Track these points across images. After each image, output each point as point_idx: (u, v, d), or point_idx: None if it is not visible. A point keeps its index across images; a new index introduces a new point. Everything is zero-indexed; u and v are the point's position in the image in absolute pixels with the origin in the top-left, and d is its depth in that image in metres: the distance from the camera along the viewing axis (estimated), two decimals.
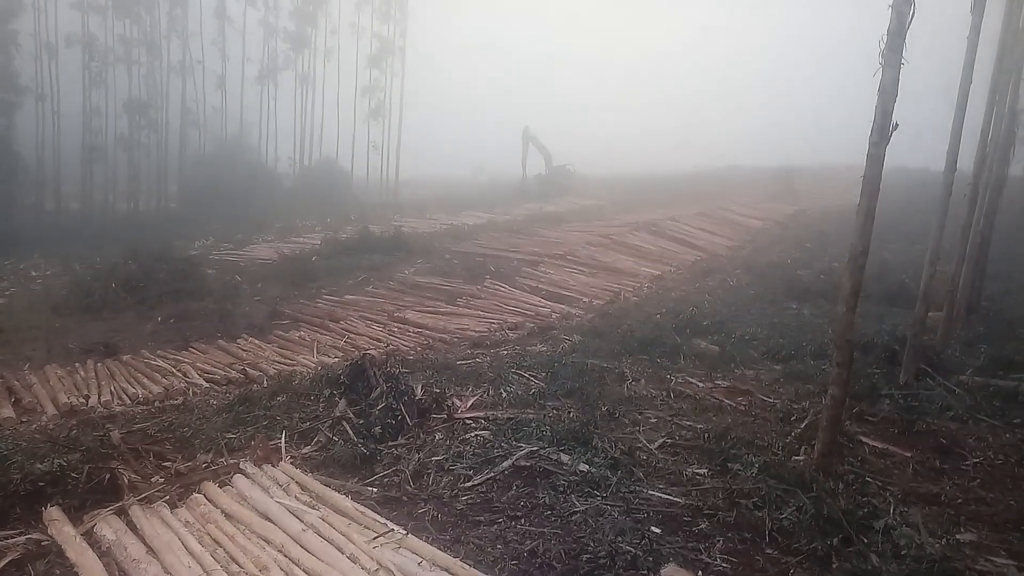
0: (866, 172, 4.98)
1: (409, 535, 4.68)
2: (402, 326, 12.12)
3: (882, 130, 4.80)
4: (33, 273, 17.31)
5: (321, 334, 11.77)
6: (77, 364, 9.65)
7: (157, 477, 5.65)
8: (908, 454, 6.07)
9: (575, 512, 4.88)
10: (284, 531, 4.84)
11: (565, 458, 5.56)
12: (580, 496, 5.08)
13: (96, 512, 5.05)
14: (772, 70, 74.80)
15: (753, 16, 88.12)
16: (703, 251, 20.27)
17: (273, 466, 5.80)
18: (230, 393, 8.22)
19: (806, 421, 6.48)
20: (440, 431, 6.32)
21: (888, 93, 4.68)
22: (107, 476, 5.35)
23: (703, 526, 4.85)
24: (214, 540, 4.82)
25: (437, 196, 40.55)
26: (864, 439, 6.32)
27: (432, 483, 5.39)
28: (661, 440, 6.24)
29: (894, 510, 5.00)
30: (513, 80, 72.68)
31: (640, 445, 6.09)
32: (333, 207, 33.54)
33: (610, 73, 78.73)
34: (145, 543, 4.75)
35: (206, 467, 5.83)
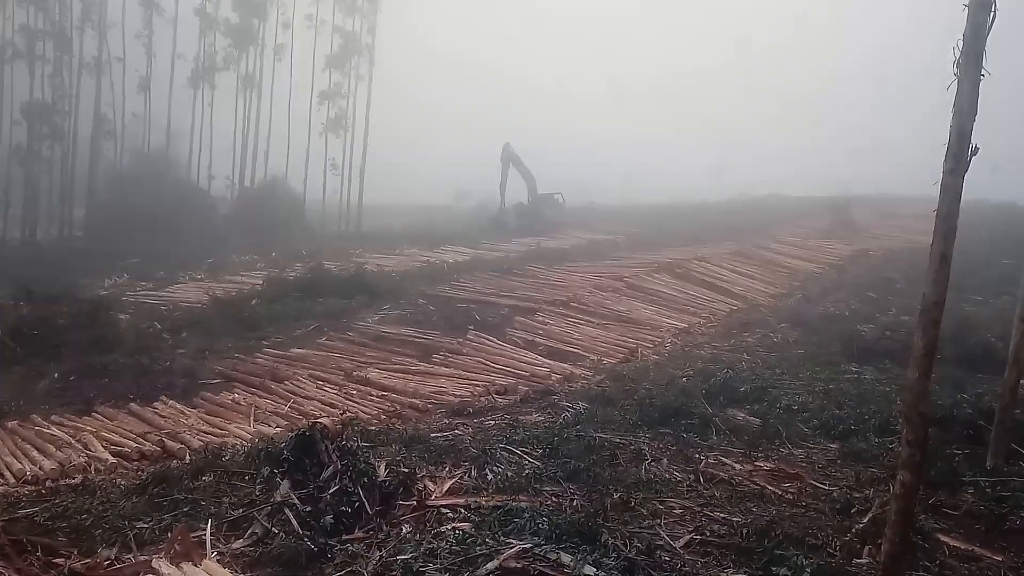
0: (940, 206, 4.98)
1: None
2: (363, 388, 12.18)
3: (958, 156, 4.81)
4: None
5: (260, 397, 11.80)
6: None
7: None
8: (999, 558, 6.04)
9: None
10: None
11: (567, 559, 5.48)
12: None
13: None
14: (823, 86, 76.81)
15: (798, 25, 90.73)
16: (740, 299, 20.48)
17: (195, 565, 5.75)
18: (143, 471, 8.18)
19: (870, 514, 6.47)
20: (408, 522, 6.31)
21: (965, 112, 4.70)
22: None
23: None
24: None
25: (410, 227, 40.77)
26: (943, 538, 6.31)
27: None
28: (688, 537, 6.20)
29: None
30: (510, 97, 74.43)
31: (661, 543, 6.05)
32: (280, 239, 33.83)
33: (630, 92, 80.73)
34: None
35: (109, 565, 5.77)
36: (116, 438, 9.62)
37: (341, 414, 10.15)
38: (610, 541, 5.83)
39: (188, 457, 8.62)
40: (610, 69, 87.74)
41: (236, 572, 5.67)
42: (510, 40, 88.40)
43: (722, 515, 6.62)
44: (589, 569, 5.40)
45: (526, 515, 6.21)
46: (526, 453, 7.94)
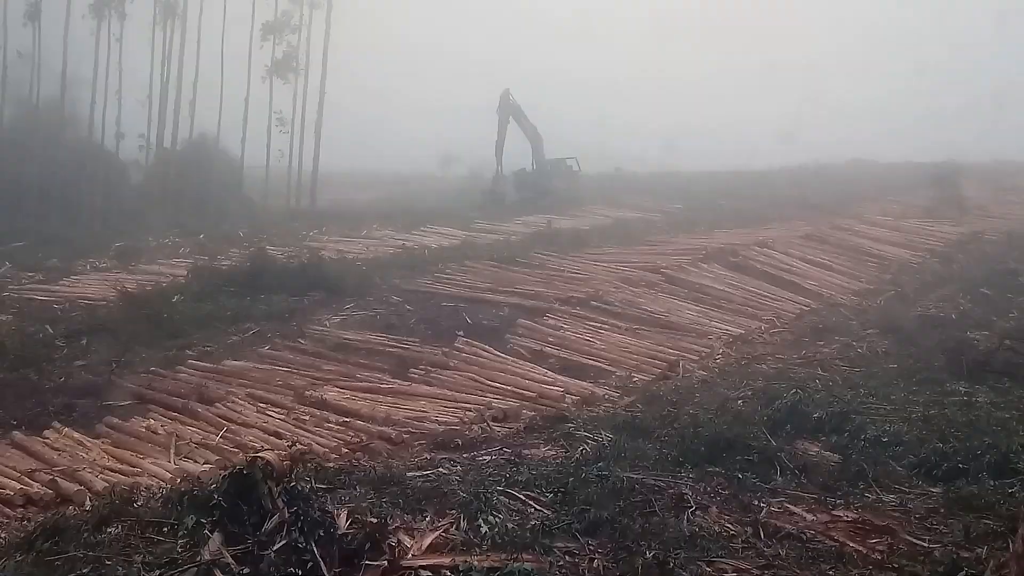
0: None
1: None
2: (318, 413, 12.21)
3: None
4: None
5: (184, 424, 11.81)
6: None
7: None
8: None
9: None
10: None
11: None
12: None
13: None
14: (927, 23, 76.44)
15: None
16: (813, 297, 20.69)
17: None
18: (29, 520, 8.14)
19: None
20: None
21: None
22: None
23: None
24: None
25: (380, 202, 41.39)
26: None
27: None
28: None
29: None
30: (514, 35, 74.47)
31: None
32: (211, 216, 33.90)
33: (675, 44, 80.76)
34: None
35: None
36: None
37: (289, 447, 10.13)
38: None
39: (89, 502, 8.61)
40: (653, 12, 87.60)
41: None
42: None
43: None
44: None
45: None
46: (532, 499, 7.95)
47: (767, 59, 76.22)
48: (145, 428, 11.63)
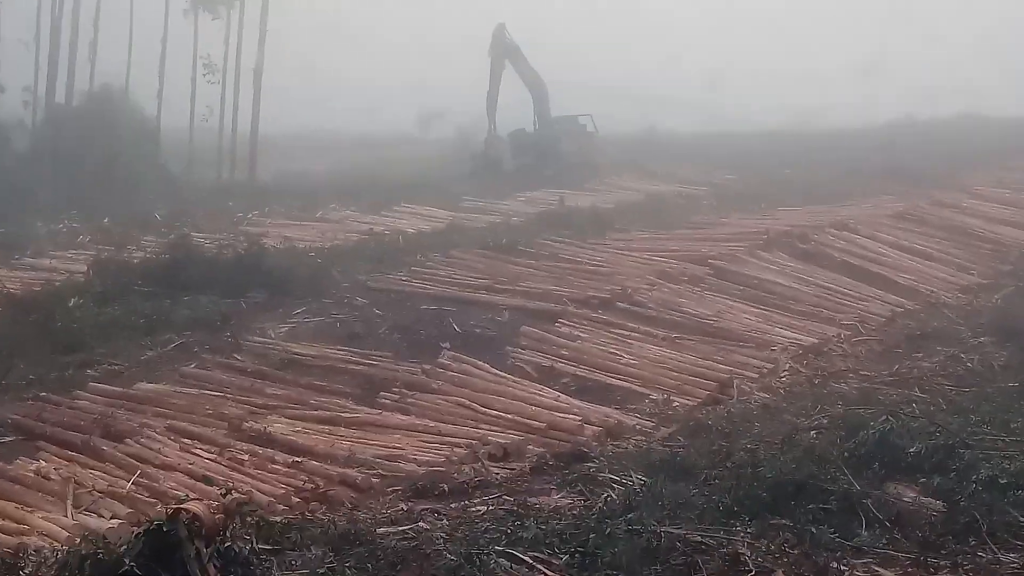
0: None
1: None
2: (260, 451, 12.21)
3: None
4: None
5: (85, 466, 11.74)
6: None
7: None
8: None
9: None
10: None
11: None
12: None
13: None
14: None
15: None
16: (909, 295, 20.66)
17: None
18: None
19: None
20: None
21: None
22: None
23: None
24: None
25: (340, 174, 41.02)
26: None
27: None
28: None
29: None
30: None
31: None
32: (117, 193, 33.66)
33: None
34: None
35: None
36: None
37: (223, 495, 9.66)
38: None
39: None
40: None
41: None
42: None
43: None
44: None
45: None
46: (541, 562, 7.96)
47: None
48: (34, 472, 11.55)
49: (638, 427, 13.07)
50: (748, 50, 68.35)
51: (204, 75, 44.32)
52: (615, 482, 10.13)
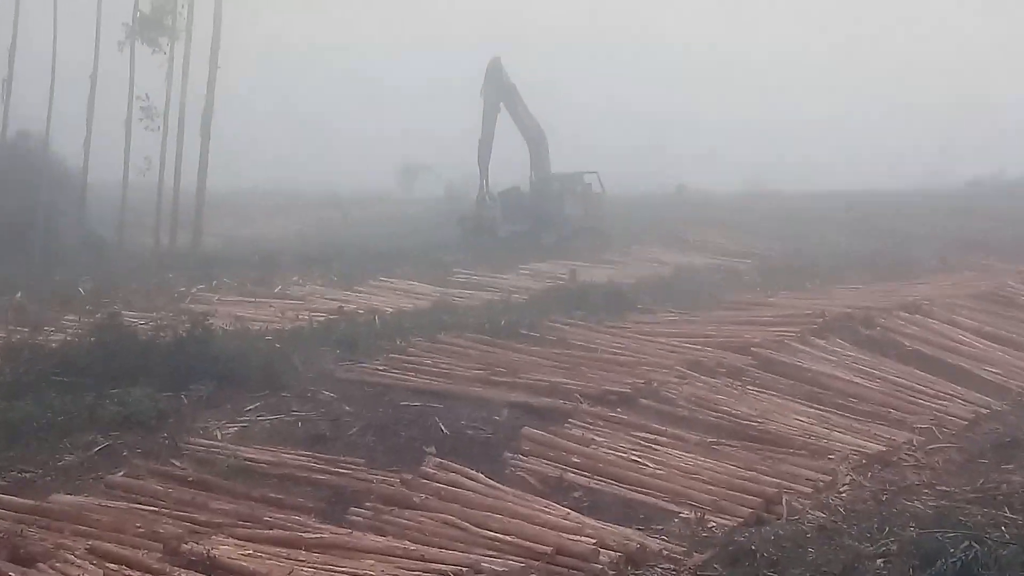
0: None
1: None
2: None
3: None
4: None
5: None
6: None
7: None
8: None
9: None
10: None
11: None
12: None
13: None
14: None
15: None
16: (994, 392, 19.67)
17: None
18: None
19: None
20: None
21: None
22: None
23: None
24: None
25: (305, 239, 40.18)
26: None
27: None
28: None
29: None
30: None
31: None
32: (32, 262, 32.35)
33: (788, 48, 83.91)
34: None
35: None
36: None
37: None
38: None
39: None
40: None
41: None
42: None
43: None
44: None
45: None
46: None
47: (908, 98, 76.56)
48: None
49: (665, 552, 12.01)
50: (799, 104, 67.61)
51: (141, 120, 40.32)
52: None
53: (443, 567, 11.51)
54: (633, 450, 15.45)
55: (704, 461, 15.20)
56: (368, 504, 13.40)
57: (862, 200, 45.68)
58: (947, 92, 73.03)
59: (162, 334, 19.77)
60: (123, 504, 13.39)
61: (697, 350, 20.64)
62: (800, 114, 67.96)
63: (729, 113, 72.11)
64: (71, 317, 24.01)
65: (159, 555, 11.60)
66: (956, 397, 19.04)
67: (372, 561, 11.60)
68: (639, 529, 12.90)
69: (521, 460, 15.13)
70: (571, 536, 12.30)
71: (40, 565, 11.40)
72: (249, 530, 12.59)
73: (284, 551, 11.79)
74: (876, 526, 12.20)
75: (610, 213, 38.89)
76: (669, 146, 57.90)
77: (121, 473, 14.46)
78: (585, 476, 14.61)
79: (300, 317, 24.68)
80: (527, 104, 37.79)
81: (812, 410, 17.69)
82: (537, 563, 11.53)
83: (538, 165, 38.20)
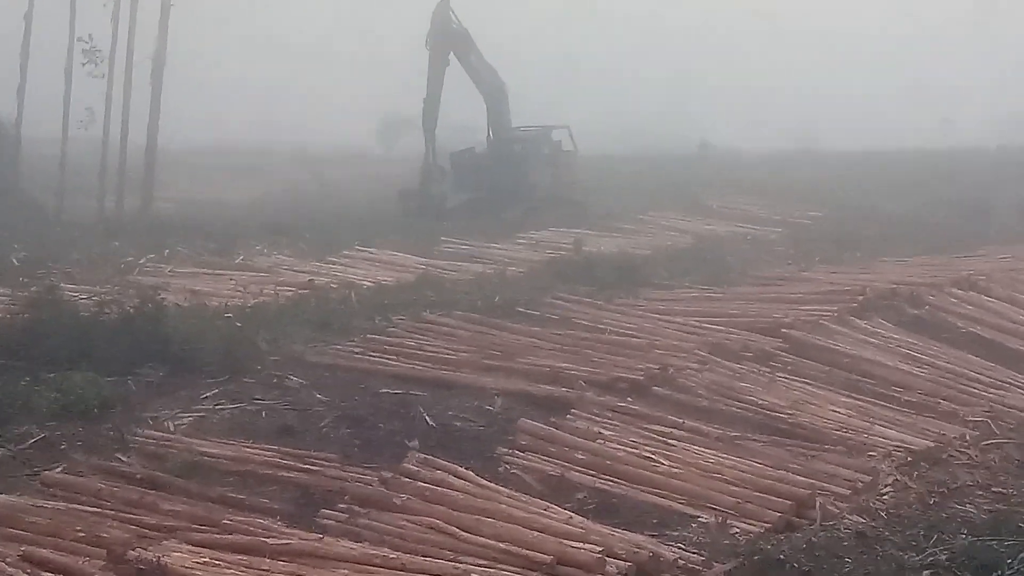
0: None
1: None
2: None
3: None
4: None
5: None
6: None
7: None
8: None
9: None
10: None
11: None
12: None
13: None
14: None
15: None
16: None
17: None
18: None
19: None
20: None
21: None
22: None
23: None
24: None
25: (272, 203, 36.51)
26: None
27: None
28: None
29: None
30: None
31: None
32: None
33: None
34: None
35: None
36: None
37: None
38: None
39: None
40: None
41: None
42: None
43: None
44: None
45: None
46: None
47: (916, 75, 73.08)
48: None
49: (681, 562, 10.27)
50: (838, 55, 64.41)
51: (84, 64, 33.46)
52: None
53: None
54: (645, 445, 13.12)
55: (727, 458, 12.93)
56: (342, 506, 11.48)
57: (915, 161, 41.78)
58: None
59: (107, 311, 16.72)
60: (61, 504, 11.53)
61: (720, 332, 17.49)
62: (852, 67, 63.81)
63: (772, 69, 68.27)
64: (2, 291, 20.60)
65: (102, 563, 10.03)
66: (1015, 386, 16.28)
67: (346, 571, 9.95)
68: (652, 536, 10.87)
69: (517, 456, 12.89)
70: (574, 543, 10.46)
71: None
72: (206, 535, 10.78)
73: (245, 559, 10.11)
74: (923, 533, 10.65)
75: (588, 176, 33.14)
76: (697, 107, 53.28)
77: (59, 469, 12.34)
78: (590, 475, 12.42)
79: (265, 292, 20.96)
80: (482, 52, 30.98)
81: (851, 400, 15.01)
82: (535, 574, 9.93)
83: (496, 122, 31.19)
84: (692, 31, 77.37)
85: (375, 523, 10.85)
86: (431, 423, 13.34)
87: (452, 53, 30.52)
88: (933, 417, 14.57)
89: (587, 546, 10.22)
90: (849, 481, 12.22)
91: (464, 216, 28.48)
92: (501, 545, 10.26)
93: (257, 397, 14.41)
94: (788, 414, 14.11)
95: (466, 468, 11.93)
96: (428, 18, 30.33)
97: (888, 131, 49.64)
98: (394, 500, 11.36)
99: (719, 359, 16.16)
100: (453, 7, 30.46)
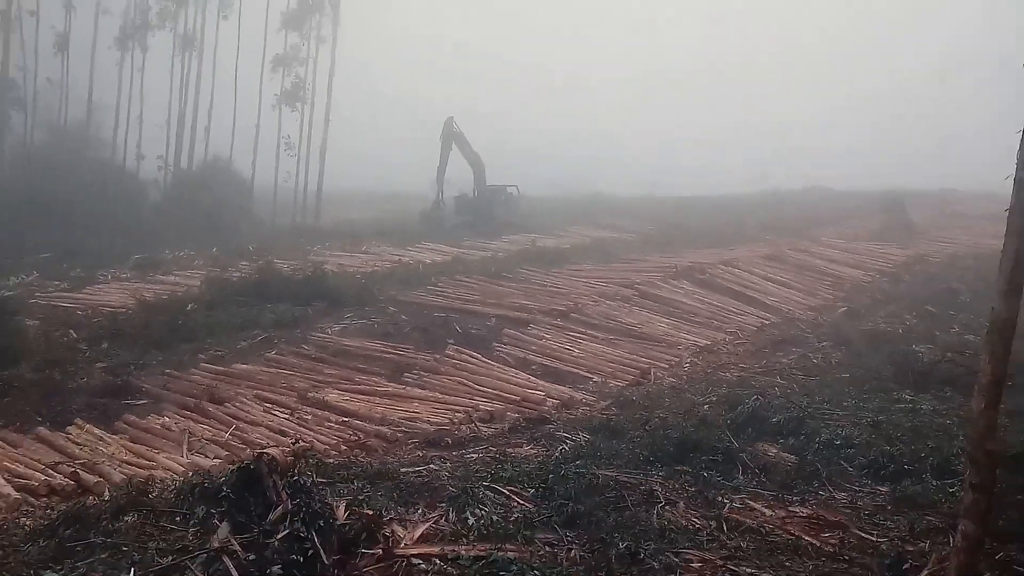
0: (1013, 204, 4.99)
1: None
2: (319, 413, 12.28)
3: None
4: None
5: (196, 422, 11.87)
6: None
7: None
8: None
9: None
10: None
11: None
12: None
13: None
14: (878, 77, 79.97)
15: (855, 16, 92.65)
16: (773, 312, 20.65)
17: None
18: (52, 509, 8.14)
19: (926, 571, 6.52)
20: (372, 575, 6.29)
21: None
22: None
23: None
24: None
25: (377, 220, 40.65)
26: None
27: None
28: None
29: None
30: (501, 86, 75.29)
31: None
32: (223, 232, 33.69)
33: (660, 85, 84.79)
34: None
35: None
36: (20, 469, 9.53)
37: (293, 443, 10.08)
38: None
39: (107, 493, 8.61)
40: (636, 61, 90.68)
41: None
42: (504, 21, 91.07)
43: (750, 570, 6.64)
44: None
45: (514, 568, 6.27)
46: (515, 493, 7.96)
47: (747, 111, 78.57)
48: (160, 425, 11.71)
49: (584, 401, 13.05)
50: (674, 155, 70.33)
51: (285, 150, 44.27)
52: (567, 439, 10.10)
53: (457, 408, 12.52)
54: (566, 343, 16.85)
55: (607, 349, 16.62)
56: (414, 372, 14.64)
57: (704, 200, 47.29)
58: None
59: (296, 273, 21.12)
60: (274, 369, 14.63)
61: (604, 285, 21.77)
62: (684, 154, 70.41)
63: (642, 128, 74.42)
64: (244, 263, 25.13)
65: (295, 399, 12.95)
66: (751, 314, 20.34)
67: (417, 404, 12.83)
68: (569, 387, 14.13)
69: (502, 347, 16.33)
70: (531, 391, 13.53)
71: (227, 404, 12.58)
72: (346, 385, 13.79)
73: (366, 398, 13.08)
74: (704, 387, 13.34)
75: (526, 211, 39.90)
76: (595, 159, 61.20)
77: (273, 352, 15.74)
78: (539, 357, 15.80)
79: (376, 265, 26.03)
80: (470, 143, 39.17)
81: (668, 321, 19.10)
82: (511, 406, 12.64)
83: (479, 181, 39.38)
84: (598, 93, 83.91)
85: (431, 380, 14.17)
86: (459, 330, 17.13)
87: (453, 144, 38.69)
88: (709, 330, 18.79)
89: (537, 392, 13.41)
90: (668, 361, 15.98)
91: (462, 233, 35.31)
92: (494, 391, 13.50)
93: (372, 317, 18.32)
94: (637, 327, 18.20)
95: (477, 353, 15.70)
96: (440, 125, 38.97)
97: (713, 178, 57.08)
98: (440, 369, 14.66)
99: (603, 299, 20.20)
100: (454, 116, 38.73)
